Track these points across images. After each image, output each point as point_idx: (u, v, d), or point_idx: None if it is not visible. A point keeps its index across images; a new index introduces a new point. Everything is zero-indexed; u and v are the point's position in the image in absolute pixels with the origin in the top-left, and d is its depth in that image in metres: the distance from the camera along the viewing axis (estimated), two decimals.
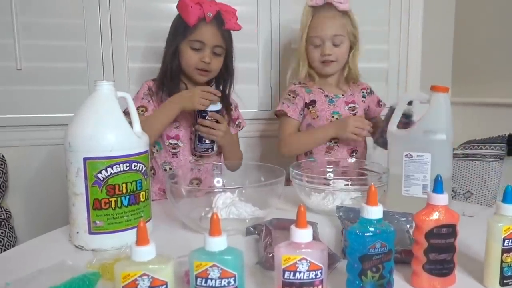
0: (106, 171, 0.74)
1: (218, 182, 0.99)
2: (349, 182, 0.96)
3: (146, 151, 0.81)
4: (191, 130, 1.21)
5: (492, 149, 1.52)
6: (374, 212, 0.57)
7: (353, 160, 1.20)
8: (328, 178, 1.05)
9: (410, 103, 1.14)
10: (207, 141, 1.16)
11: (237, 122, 1.37)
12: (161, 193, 1.25)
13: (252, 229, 0.82)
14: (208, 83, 1.28)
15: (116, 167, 0.75)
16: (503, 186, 1.55)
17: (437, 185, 0.61)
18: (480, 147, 1.54)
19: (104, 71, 1.53)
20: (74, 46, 1.50)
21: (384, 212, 0.86)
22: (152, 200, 0.87)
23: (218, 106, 1.14)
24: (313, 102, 1.34)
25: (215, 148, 1.20)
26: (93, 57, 1.52)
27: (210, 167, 1.11)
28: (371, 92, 1.44)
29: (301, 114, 1.35)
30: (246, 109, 1.68)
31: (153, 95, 1.21)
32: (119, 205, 0.75)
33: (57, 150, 1.48)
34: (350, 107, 1.36)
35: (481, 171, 1.54)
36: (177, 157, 1.23)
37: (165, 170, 1.23)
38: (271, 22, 1.67)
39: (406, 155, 0.97)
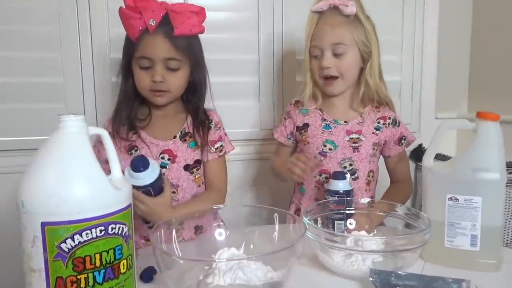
0: (73, 240, 0.54)
1: (220, 234, 0.80)
2: (383, 241, 0.77)
3: (128, 206, 0.62)
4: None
5: None
6: None
7: (367, 200, 0.97)
8: (354, 236, 0.84)
9: (340, 176, 0.99)
10: None
11: (217, 145, 1.08)
12: (142, 240, 1.04)
13: None
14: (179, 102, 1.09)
15: (87, 234, 0.55)
16: None
17: None
18: (509, 171, 1.38)
19: (83, 86, 1.33)
20: (49, 57, 1.30)
21: (428, 278, 0.69)
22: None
23: (142, 181, 0.85)
24: (306, 125, 1.15)
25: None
26: (70, 70, 1.32)
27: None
28: (395, 124, 1.16)
29: (290, 138, 1.20)
30: (245, 128, 1.52)
31: (113, 136, 1.00)
32: (90, 283, 0.56)
33: None
34: (352, 139, 1.12)
35: (507, 199, 1.38)
36: None
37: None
38: (273, 29, 1.49)
39: (450, 198, 0.80)
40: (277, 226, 0.76)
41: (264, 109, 1.53)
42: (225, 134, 1.13)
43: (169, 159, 1.02)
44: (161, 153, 1.02)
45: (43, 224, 0.54)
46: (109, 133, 0.96)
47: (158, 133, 1.03)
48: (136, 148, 1.01)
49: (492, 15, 1.65)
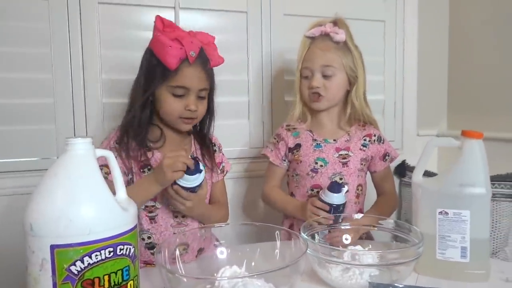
0: (82, 262, 0.55)
1: (221, 253, 0.81)
2: (378, 255, 0.80)
3: (135, 227, 0.63)
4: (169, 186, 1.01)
5: (502, 187, 1.42)
6: None
7: (360, 216, 1.01)
8: (354, 250, 0.87)
9: (336, 189, 1.02)
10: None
11: (221, 167, 1.17)
12: (141, 265, 1.03)
13: None
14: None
15: (96, 256, 0.56)
16: None
17: None
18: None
19: (74, 107, 1.33)
20: (40, 78, 1.30)
21: None
22: None
23: (193, 183, 0.93)
24: (298, 146, 1.21)
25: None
26: (61, 91, 1.32)
27: (196, 232, 0.94)
28: (379, 140, 1.23)
29: (284, 160, 1.24)
30: (235, 147, 1.53)
31: (119, 149, 1.00)
32: None
33: (16, 201, 1.25)
34: (341, 155, 1.18)
35: (491, 212, 1.44)
36: (155, 222, 1.03)
37: (143, 239, 1.03)
38: (262, 50, 1.54)
39: (441, 213, 0.84)
40: (278, 243, 0.78)
41: (254, 128, 1.56)
42: (223, 154, 1.19)
43: None
44: None
45: (53, 247, 0.54)
46: (117, 141, 0.99)
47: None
48: (149, 167, 1.02)
49: (468, 37, 1.75)
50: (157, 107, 1.03)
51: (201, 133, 1.13)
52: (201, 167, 0.93)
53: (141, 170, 1.01)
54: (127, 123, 1.02)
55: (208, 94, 1.07)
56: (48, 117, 1.31)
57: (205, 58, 1.01)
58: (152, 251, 1.02)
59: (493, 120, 1.61)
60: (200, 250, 0.96)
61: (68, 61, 1.32)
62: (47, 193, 0.57)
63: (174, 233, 1.01)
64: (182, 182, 0.92)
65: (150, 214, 1.02)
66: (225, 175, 1.19)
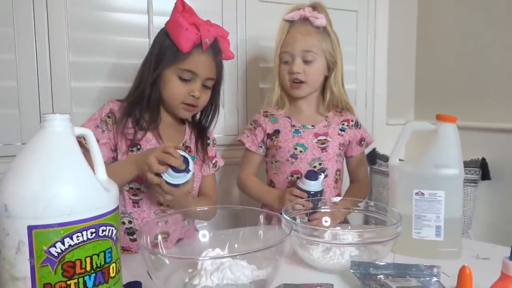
0: (63, 244, 0.52)
1: (204, 236, 0.79)
2: (358, 235, 0.81)
3: (116, 208, 0.60)
4: None
5: (467, 173, 1.49)
6: None
7: (339, 199, 1.04)
8: (334, 230, 0.88)
9: (313, 177, 1.03)
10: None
11: (213, 161, 1.15)
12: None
13: None
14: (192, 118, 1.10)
15: (77, 237, 0.53)
16: (477, 211, 1.55)
17: None
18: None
19: (39, 90, 1.26)
20: (1, 59, 1.21)
21: (403, 266, 0.75)
22: None
23: (177, 180, 0.87)
24: (277, 132, 1.21)
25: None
26: (25, 76, 1.24)
27: (180, 217, 0.92)
28: (356, 126, 1.25)
29: (261, 147, 1.24)
30: None
31: (114, 122, 0.97)
32: None
33: None
34: (320, 140, 1.19)
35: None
36: (139, 206, 0.99)
37: (123, 223, 0.99)
38: (237, 38, 1.52)
39: (417, 193, 0.86)
40: (262, 226, 0.77)
41: (228, 116, 1.54)
42: (216, 151, 1.18)
43: None
44: None
45: (30, 228, 0.51)
46: (111, 113, 0.97)
47: (163, 138, 1.02)
48: (138, 146, 0.99)
49: (436, 30, 1.82)
50: (161, 88, 1.00)
51: (200, 124, 1.11)
52: (190, 167, 0.87)
53: (130, 149, 0.98)
54: (135, 100, 0.99)
55: (214, 86, 1.06)
56: (11, 102, 1.23)
57: (217, 49, 1.01)
58: (131, 237, 0.99)
59: (458, 110, 1.67)
60: (179, 240, 0.95)
61: (33, 41, 1.24)
62: (24, 172, 0.53)
63: (156, 221, 0.98)
64: (166, 176, 0.86)
65: (134, 197, 0.99)
66: (216, 169, 1.16)
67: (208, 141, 1.13)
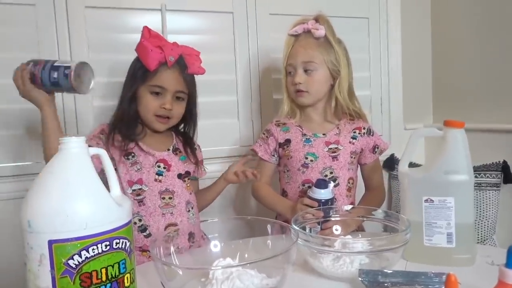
0: (80, 256, 0.56)
1: (215, 246, 0.82)
2: (368, 243, 0.82)
3: (129, 221, 0.64)
4: (153, 170, 1.10)
5: (488, 177, 1.46)
6: None
7: (350, 207, 1.05)
8: (344, 238, 0.89)
9: (323, 185, 1.06)
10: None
11: (203, 165, 1.27)
12: (137, 251, 1.07)
13: None
14: (169, 130, 1.19)
15: (93, 249, 0.57)
16: (501, 215, 1.51)
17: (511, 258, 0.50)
18: (475, 175, 1.48)
19: (64, 112, 1.34)
20: None
21: (412, 274, 0.75)
22: None
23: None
24: (288, 141, 1.23)
25: None
26: None
27: (184, 208, 1.04)
28: (369, 133, 1.25)
29: (274, 156, 1.26)
30: (226, 145, 1.56)
31: (106, 138, 1.09)
32: None
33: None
34: (331, 149, 1.20)
35: (478, 201, 1.48)
36: (144, 204, 1.08)
37: (135, 223, 1.07)
38: (249, 50, 1.56)
39: (426, 200, 0.87)
40: (270, 236, 0.80)
41: (243, 127, 1.58)
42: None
43: (164, 168, 1.12)
44: (157, 162, 1.11)
45: (50, 242, 0.56)
46: (103, 131, 1.09)
47: (153, 146, 1.13)
48: (133, 154, 1.09)
49: (451, 32, 1.80)
50: (138, 104, 1.11)
51: (185, 134, 1.21)
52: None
53: (125, 157, 1.08)
54: (117, 118, 1.11)
55: (189, 100, 1.15)
56: (36, 122, 1.31)
57: (183, 64, 1.10)
58: (144, 233, 1.07)
59: (477, 112, 1.66)
60: (191, 235, 1.03)
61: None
62: (44, 191, 0.58)
63: (162, 214, 1.08)
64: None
65: (138, 197, 1.07)
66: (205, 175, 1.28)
67: (195, 146, 1.23)
